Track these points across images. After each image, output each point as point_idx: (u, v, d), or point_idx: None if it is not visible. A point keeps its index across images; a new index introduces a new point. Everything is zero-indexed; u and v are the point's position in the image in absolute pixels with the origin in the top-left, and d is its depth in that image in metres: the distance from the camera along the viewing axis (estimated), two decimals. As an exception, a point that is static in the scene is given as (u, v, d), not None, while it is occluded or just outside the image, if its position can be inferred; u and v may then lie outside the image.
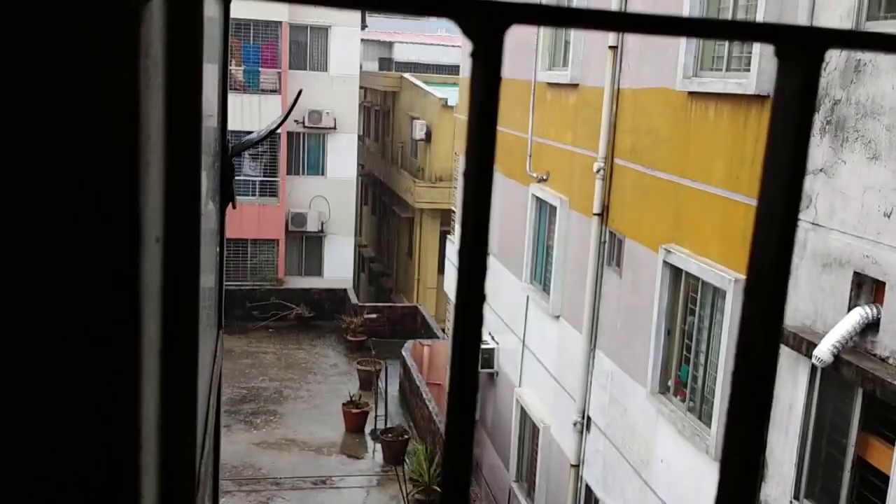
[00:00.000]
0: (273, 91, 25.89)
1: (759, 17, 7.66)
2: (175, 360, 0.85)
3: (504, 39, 0.45)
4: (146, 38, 0.61)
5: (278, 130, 24.72)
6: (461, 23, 0.45)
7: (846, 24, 6.64)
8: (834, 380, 6.66)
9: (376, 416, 18.11)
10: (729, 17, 8.54)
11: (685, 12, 8.93)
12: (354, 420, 18.19)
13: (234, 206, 1.92)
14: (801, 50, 0.43)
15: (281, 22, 25.75)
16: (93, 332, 0.62)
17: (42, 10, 0.55)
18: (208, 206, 1.45)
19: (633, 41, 10.38)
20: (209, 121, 1.39)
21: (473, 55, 0.46)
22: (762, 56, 7.61)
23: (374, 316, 24.07)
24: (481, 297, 0.48)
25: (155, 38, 0.67)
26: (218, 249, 1.86)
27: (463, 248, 0.47)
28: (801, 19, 7.08)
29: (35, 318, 0.60)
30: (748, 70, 7.97)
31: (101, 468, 0.65)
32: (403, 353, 20.08)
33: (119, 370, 0.64)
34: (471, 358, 0.47)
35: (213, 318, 1.72)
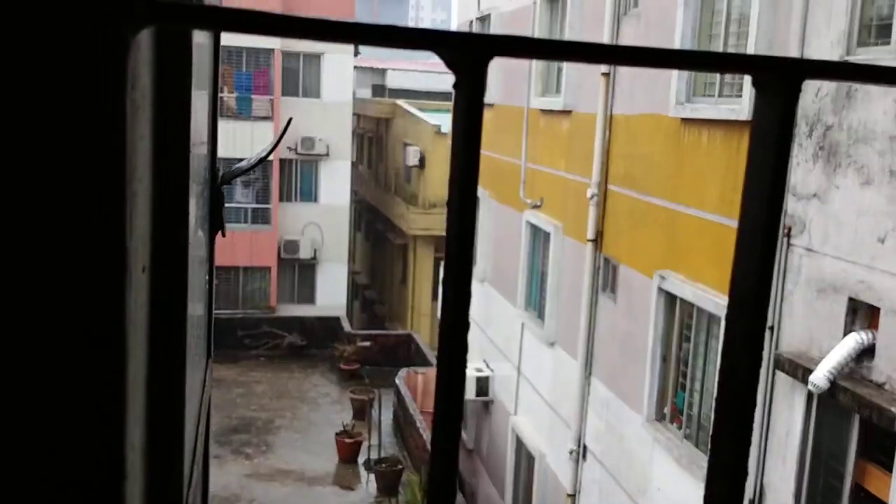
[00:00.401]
0: (265, 118, 25.96)
1: (751, 43, 7.73)
2: (162, 389, 0.85)
3: (486, 71, 0.46)
4: (134, 71, 0.62)
5: (270, 157, 24.76)
6: (444, 56, 0.46)
7: (837, 50, 6.69)
8: (830, 406, 6.65)
9: (370, 446, 17.96)
10: (720, 43, 8.62)
11: (677, 38, 9.00)
12: (348, 450, 18.02)
13: (223, 235, 1.92)
14: (779, 81, 0.43)
15: (273, 49, 25.86)
16: (76, 362, 0.62)
17: (25, 42, 0.55)
18: (197, 234, 1.45)
19: (625, 68, 10.46)
20: (199, 148, 1.39)
21: (456, 87, 0.46)
22: (753, 83, 7.65)
23: (367, 344, 23.93)
24: (465, 324, 0.48)
25: (143, 70, 0.67)
26: (207, 278, 1.86)
27: (448, 269, 0.47)
28: (793, 45, 7.14)
29: (16, 347, 0.60)
30: (740, 96, 8.04)
31: (84, 499, 0.64)
32: (397, 381, 19.95)
33: (103, 400, 0.64)
34: (457, 372, 0.47)
35: (202, 346, 1.72)
